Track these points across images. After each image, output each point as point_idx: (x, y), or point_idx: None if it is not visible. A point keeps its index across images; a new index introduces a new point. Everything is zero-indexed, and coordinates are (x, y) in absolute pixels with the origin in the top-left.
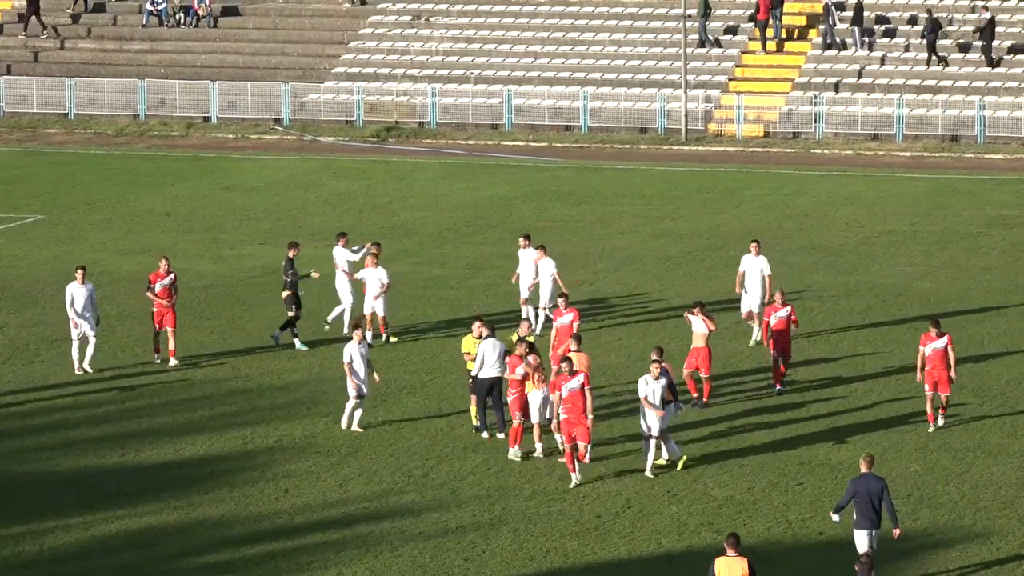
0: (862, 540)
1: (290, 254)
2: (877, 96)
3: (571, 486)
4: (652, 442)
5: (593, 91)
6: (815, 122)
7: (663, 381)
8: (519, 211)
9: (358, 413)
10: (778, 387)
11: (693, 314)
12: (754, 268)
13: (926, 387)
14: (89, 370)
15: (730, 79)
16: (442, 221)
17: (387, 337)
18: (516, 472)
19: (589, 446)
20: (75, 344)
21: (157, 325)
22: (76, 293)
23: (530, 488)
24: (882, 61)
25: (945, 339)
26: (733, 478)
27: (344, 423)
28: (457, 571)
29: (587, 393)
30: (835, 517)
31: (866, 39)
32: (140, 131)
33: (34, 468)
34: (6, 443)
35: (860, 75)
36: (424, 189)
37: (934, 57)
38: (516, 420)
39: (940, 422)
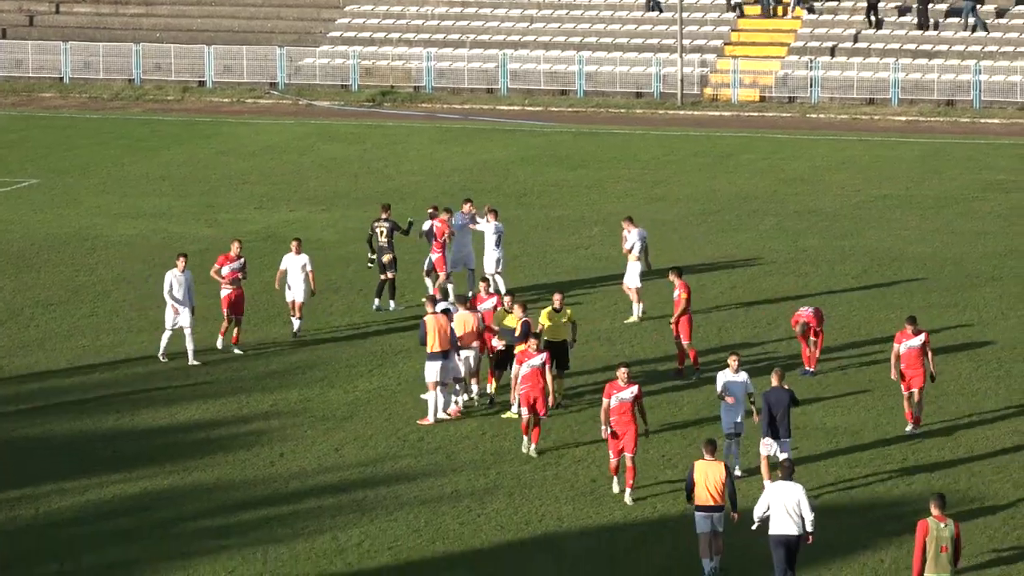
0: (770, 446)
1: (385, 216)
2: (873, 60)
3: (614, 490)
4: (735, 440)
5: (589, 55)
6: (811, 86)
7: (743, 376)
8: (515, 175)
9: (451, 398)
10: (811, 370)
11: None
12: (631, 243)
13: (902, 387)
14: (196, 363)
15: (726, 43)
16: (437, 185)
17: (298, 328)
18: (511, 437)
19: (634, 457)
20: (167, 333)
21: (227, 310)
22: (175, 281)
23: (525, 452)
24: (878, 25)
25: (922, 337)
26: (729, 443)
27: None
28: (452, 535)
29: (640, 403)
30: (767, 444)
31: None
32: (135, 95)
33: (30, 432)
34: (2, 407)
35: (856, 39)
36: (420, 153)
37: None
38: (525, 415)
39: (913, 429)
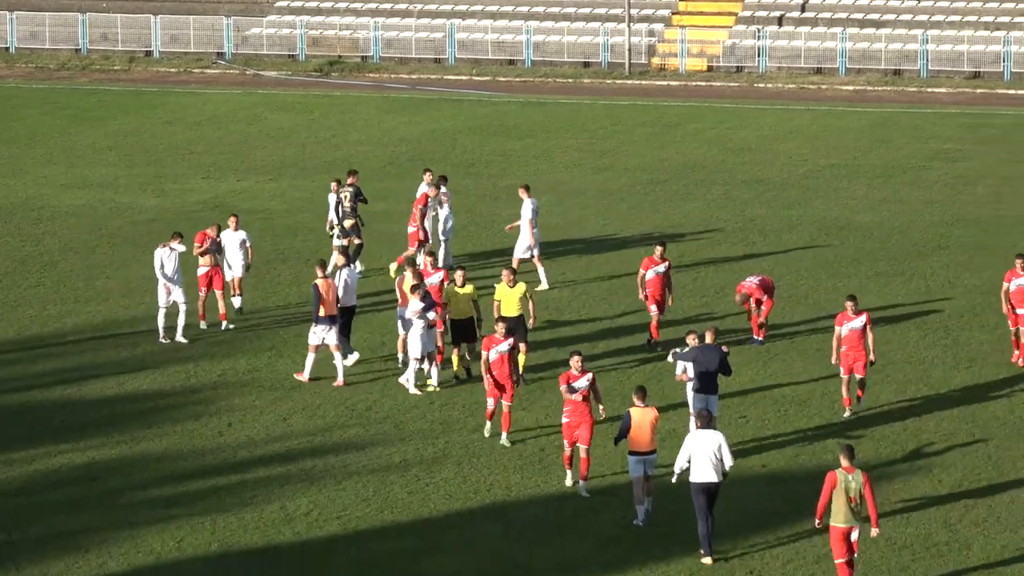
0: (700, 402)
1: (351, 181)
2: (820, 30)
3: (567, 484)
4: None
5: (536, 25)
6: (758, 56)
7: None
8: (462, 145)
9: (414, 371)
10: (759, 339)
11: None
12: (525, 213)
13: (841, 370)
14: (184, 340)
15: (673, 13)
16: (385, 155)
17: (240, 305)
18: (460, 406)
19: (589, 448)
20: (162, 311)
21: (204, 288)
22: (166, 259)
23: (474, 421)
24: None
25: (863, 318)
26: (677, 411)
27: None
28: (401, 504)
29: (596, 391)
30: (672, 357)
31: None
32: (82, 65)
33: None
34: None
35: (803, 9)
36: (367, 123)
37: None
38: (491, 404)
39: (851, 412)
